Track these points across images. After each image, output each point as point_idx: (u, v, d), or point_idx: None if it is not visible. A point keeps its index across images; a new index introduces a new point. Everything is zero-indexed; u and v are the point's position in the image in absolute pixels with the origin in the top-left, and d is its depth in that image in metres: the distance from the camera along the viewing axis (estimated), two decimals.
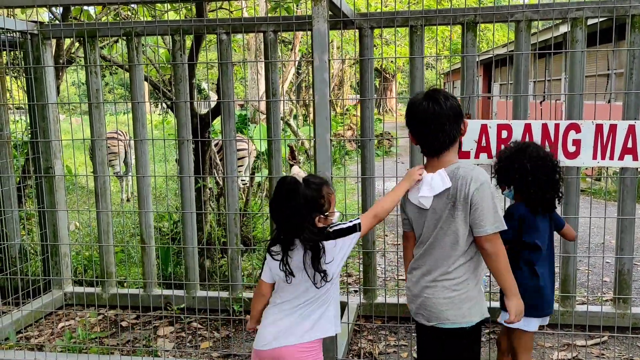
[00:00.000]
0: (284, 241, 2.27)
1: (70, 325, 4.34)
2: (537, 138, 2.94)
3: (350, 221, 2.35)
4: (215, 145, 6.61)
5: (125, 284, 4.93)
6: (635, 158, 2.87)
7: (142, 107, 4.31)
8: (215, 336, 4.12)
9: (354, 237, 2.33)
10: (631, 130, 2.88)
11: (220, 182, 5.59)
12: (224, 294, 4.41)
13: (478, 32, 3.82)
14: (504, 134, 2.97)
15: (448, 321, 2.28)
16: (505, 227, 2.22)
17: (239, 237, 4.42)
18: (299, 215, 2.19)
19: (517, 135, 3.00)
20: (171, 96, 5.10)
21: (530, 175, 2.55)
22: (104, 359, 3.56)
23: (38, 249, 5.00)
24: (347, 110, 16.85)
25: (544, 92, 13.11)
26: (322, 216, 2.24)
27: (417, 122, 2.30)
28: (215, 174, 5.62)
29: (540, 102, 13.74)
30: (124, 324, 4.35)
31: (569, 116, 3.61)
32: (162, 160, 9.95)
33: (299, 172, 2.44)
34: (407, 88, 4.05)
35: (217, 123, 8.85)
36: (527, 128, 2.95)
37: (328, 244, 2.25)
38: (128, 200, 9.74)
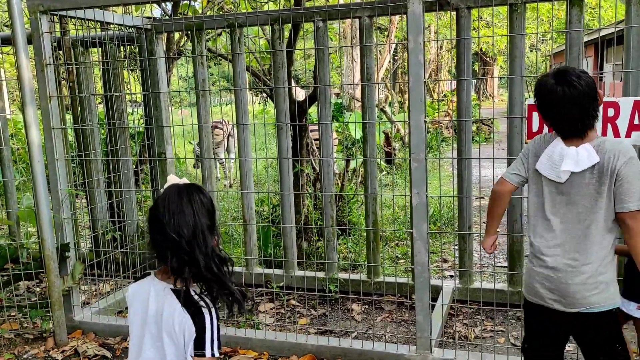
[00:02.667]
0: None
1: None
2: None
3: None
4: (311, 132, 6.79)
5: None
6: None
7: (244, 95, 4.54)
8: (312, 314, 4.28)
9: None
10: None
11: (317, 167, 5.75)
12: (321, 274, 4.56)
13: (584, 8, 3.63)
14: (611, 112, 2.82)
15: (598, 305, 2.17)
16: None
17: (334, 220, 4.55)
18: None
19: (626, 113, 2.84)
20: (270, 84, 5.31)
21: None
22: None
23: None
24: (444, 96, 16.48)
25: None
26: (215, 237, 1.81)
27: (554, 110, 2.18)
28: (312, 159, 5.79)
29: None
30: None
31: None
32: (262, 148, 10.34)
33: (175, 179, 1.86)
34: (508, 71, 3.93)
35: (313, 111, 9.08)
36: (637, 105, 2.78)
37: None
38: (230, 186, 10.24)
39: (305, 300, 4.45)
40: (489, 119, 14.10)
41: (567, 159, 2.16)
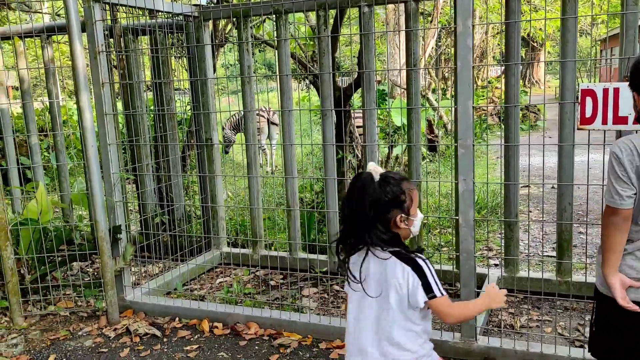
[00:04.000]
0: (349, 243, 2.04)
1: (226, 281, 4.82)
2: None
3: (437, 283, 1.97)
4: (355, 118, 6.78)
5: (272, 247, 5.33)
6: None
7: (288, 81, 4.57)
8: None
9: (421, 296, 1.94)
10: None
11: (359, 154, 5.75)
12: None
13: None
14: None
15: None
16: None
17: None
18: (365, 214, 1.94)
19: None
20: (314, 70, 5.32)
21: None
22: (256, 311, 3.91)
23: (199, 212, 5.57)
24: (489, 82, 16.14)
25: None
26: (403, 215, 1.97)
27: None
28: (354, 146, 5.79)
29: None
30: (272, 283, 4.71)
31: None
32: (305, 135, 10.40)
33: (375, 168, 2.07)
34: (558, 57, 3.82)
35: (357, 99, 9.04)
36: None
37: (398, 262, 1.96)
38: (272, 172, 10.35)
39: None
40: (536, 105, 13.74)
41: None
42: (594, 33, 13.66)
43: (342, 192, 5.16)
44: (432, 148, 10.48)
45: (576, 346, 3.31)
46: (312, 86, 6.91)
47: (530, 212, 6.59)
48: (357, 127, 6.54)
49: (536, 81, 24.47)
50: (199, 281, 4.86)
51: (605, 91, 2.83)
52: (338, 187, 5.02)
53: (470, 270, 3.21)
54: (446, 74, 15.00)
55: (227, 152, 10.45)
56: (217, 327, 3.87)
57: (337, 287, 4.54)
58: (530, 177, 5.97)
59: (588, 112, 2.93)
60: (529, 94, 13.06)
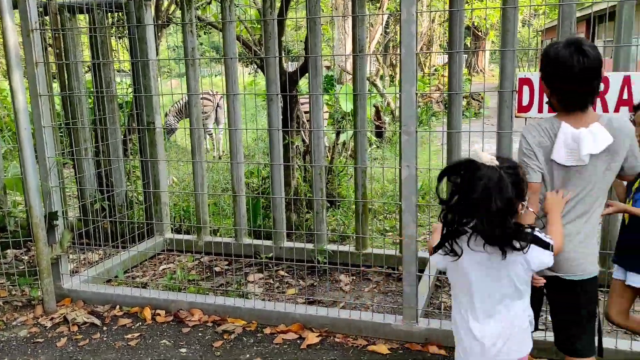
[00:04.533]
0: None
1: (169, 267, 4.73)
2: (637, 91, 2.78)
3: (545, 235, 2.06)
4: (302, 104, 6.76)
5: (218, 233, 5.27)
6: None
7: (233, 65, 4.49)
8: (301, 284, 4.33)
9: (547, 257, 2.03)
10: None
11: (307, 139, 5.74)
12: (309, 246, 4.60)
13: None
14: (601, 86, 2.83)
15: (592, 272, 2.26)
16: None
17: (324, 192, 4.56)
18: (500, 211, 1.89)
19: (615, 88, 2.85)
20: (261, 54, 5.25)
21: None
22: (200, 298, 3.87)
23: (141, 197, 5.43)
24: (435, 70, 16.42)
25: None
26: (523, 203, 1.99)
27: (565, 78, 2.12)
28: (302, 131, 5.77)
29: None
30: (217, 269, 4.67)
31: None
32: (252, 120, 10.28)
33: (486, 157, 1.96)
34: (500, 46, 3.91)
35: (304, 84, 9.00)
36: (626, 81, 2.78)
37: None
38: (220, 158, 10.21)
39: (294, 271, 4.49)
40: (479, 93, 14.11)
41: (585, 142, 2.12)
42: (535, 23, 14.10)
43: (288, 178, 5.15)
44: (379, 134, 10.59)
45: None
46: (259, 70, 6.82)
47: None
48: (305, 112, 6.53)
49: (481, 70, 25.11)
50: (141, 268, 4.75)
51: (542, 80, 2.93)
52: (285, 172, 5.01)
53: (412, 254, 3.28)
54: (394, 61, 15.16)
55: (168, 140, 10.27)
56: (159, 314, 3.81)
57: (282, 273, 4.54)
58: None
59: (525, 100, 3.02)
60: (471, 82, 13.36)
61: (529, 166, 2.22)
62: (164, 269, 4.70)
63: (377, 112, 10.70)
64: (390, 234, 5.42)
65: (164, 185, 5.02)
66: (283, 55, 5.01)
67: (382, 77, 13.06)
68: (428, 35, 15.47)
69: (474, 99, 13.70)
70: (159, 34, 5.92)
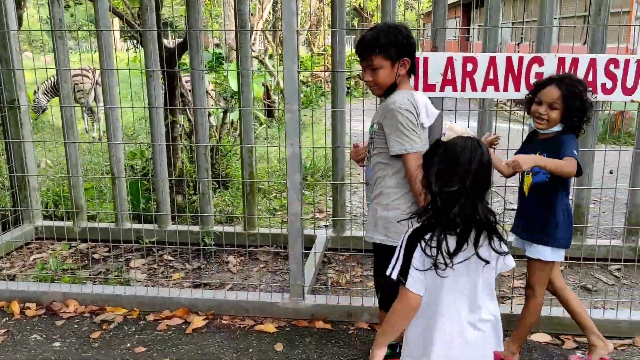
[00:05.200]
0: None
1: (41, 257, 4.38)
2: (501, 71, 2.97)
3: None
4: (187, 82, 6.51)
5: (96, 219, 4.96)
6: (594, 92, 2.92)
7: (107, 39, 4.20)
8: (187, 267, 4.20)
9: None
10: (592, 64, 2.91)
11: (192, 118, 5.54)
12: (195, 228, 4.47)
13: None
14: (469, 66, 2.99)
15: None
16: None
17: (209, 172, 4.45)
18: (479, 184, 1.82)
19: (482, 68, 3.02)
20: (139, 28, 4.96)
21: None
22: (76, 288, 3.62)
23: (7, 182, 4.96)
24: (324, 50, 16.59)
25: (522, 34, 13.06)
26: None
27: None
28: (187, 110, 5.56)
29: (518, 44, 13.71)
30: (95, 256, 4.40)
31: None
32: (138, 98, 9.76)
33: (457, 129, 1.91)
34: None
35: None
36: (492, 61, 2.97)
37: None
38: (100, 139, 9.62)
39: (179, 255, 4.35)
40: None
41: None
42: (418, 7, 14.67)
43: (173, 159, 4.95)
44: (270, 114, 10.53)
45: None
46: (140, 46, 6.45)
47: (359, 174, 6.97)
48: (190, 90, 6.29)
49: None
50: (8, 259, 4.35)
51: (416, 60, 3.03)
52: (170, 153, 4.81)
53: (297, 231, 3.29)
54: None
55: (36, 119, 9.53)
56: (29, 307, 3.52)
57: (168, 257, 4.38)
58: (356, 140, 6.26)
59: None
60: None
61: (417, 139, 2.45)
62: (35, 259, 4.34)
63: (267, 91, 10.61)
64: (279, 212, 5.42)
65: (33, 168, 4.62)
66: (162, 29, 4.78)
67: (271, 56, 12.94)
68: (317, 15, 15.54)
69: (360, 79, 14.03)
70: (23, 2, 5.39)
